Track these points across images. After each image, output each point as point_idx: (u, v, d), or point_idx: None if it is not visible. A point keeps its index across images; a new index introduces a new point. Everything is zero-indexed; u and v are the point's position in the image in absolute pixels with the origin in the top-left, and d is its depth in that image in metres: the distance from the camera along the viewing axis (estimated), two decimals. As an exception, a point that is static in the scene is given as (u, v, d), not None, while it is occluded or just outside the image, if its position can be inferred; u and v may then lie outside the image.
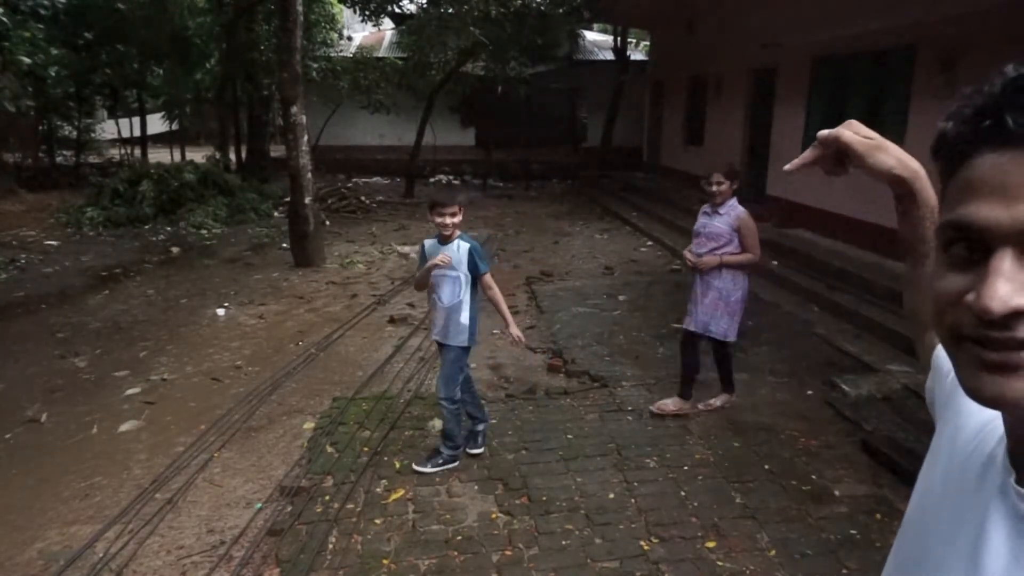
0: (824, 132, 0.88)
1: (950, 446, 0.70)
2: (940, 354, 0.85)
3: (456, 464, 3.73)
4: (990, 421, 0.67)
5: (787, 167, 0.94)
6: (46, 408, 4.51)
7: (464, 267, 3.60)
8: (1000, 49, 5.58)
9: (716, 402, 4.39)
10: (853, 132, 0.87)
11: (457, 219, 3.58)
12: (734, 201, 4.03)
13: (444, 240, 3.64)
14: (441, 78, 15.41)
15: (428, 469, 3.67)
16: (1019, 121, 0.50)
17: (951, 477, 0.67)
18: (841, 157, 0.88)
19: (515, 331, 3.73)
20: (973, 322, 0.51)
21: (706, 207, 4.14)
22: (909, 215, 0.90)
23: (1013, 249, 0.50)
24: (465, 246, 3.61)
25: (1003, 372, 0.50)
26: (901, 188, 0.88)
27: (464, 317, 3.63)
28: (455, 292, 3.61)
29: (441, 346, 3.75)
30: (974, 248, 0.52)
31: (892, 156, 0.87)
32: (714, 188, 3.97)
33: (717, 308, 4.10)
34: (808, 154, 0.90)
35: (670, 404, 4.31)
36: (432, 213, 3.58)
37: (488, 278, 3.69)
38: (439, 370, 3.76)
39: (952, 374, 0.78)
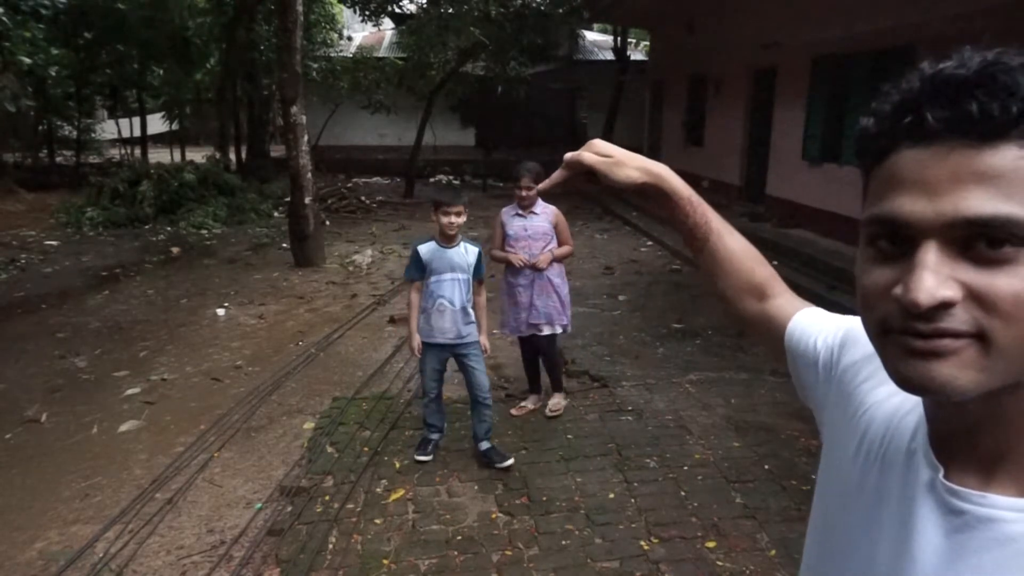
0: (568, 155, 0.92)
1: (857, 442, 0.69)
2: (794, 338, 0.85)
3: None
4: (896, 411, 0.67)
5: (540, 186, 1.00)
6: (46, 408, 4.51)
7: (471, 270, 3.65)
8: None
9: (562, 405, 4.38)
10: (594, 152, 0.91)
11: (462, 219, 3.57)
12: (540, 200, 4.16)
13: (448, 241, 3.61)
14: (441, 78, 15.42)
15: (510, 461, 3.67)
16: (938, 117, 0.51)
17: (867, 476, 0.66)
18: (591, 176, 0.92)
19: (485, 340, 3.80)
20: (900, 314, 0.52)
21: (514, 210, 4.16)
22: (673, 213, 0.94)
23: (937, 242, 0.51)
24: (474, 250, 3.66)
25: (930, 358, 0.51)
26: (653, 192, 0.92)
27: (473, 315, 3.71)
28: (464, 293, 3.64)
29: (449, 348, 3.69)
30: (898, 242, 0.54)
31: (632, 168, 0.90)
32: (524, 193, 4.04)
33: (560, 303, 4.23)
34: (557, 175, 0.95)
35: (529, 404, 4.41)
36: (437, 213, 3.55)
37: (482, 286, 3.84)
38: (473, 372, 3.73)
39: (823, 360, 0.79)
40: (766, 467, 3.72)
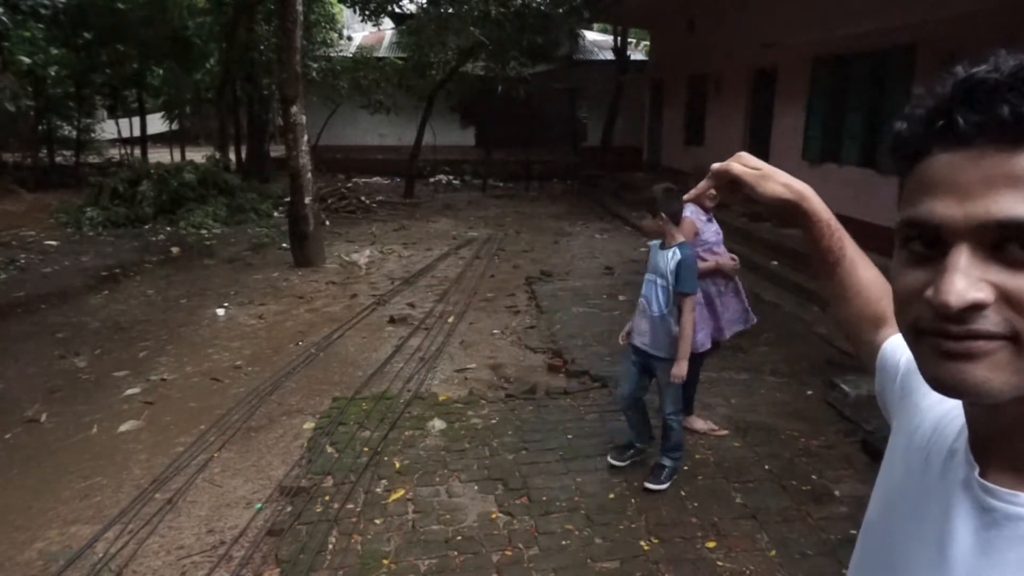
0: (716, 165, 0.93)
1: (907, 444, 0.71)
2: (885, 356, 0.86)
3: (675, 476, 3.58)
4: (945, 415, 0.68)
5: (685, 197, 1.03)
6: (46, 408, 4.51)
7: (671, 277, 3.33)
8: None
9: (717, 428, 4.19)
10: (742, 164, 0.92)
11: (654, 223, 3.36)
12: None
13: (665, 241, 3.40)
14: (441, 78, 15.41)
15: (664, 485, 3.47)
16: (970, 121, 0.51)
17: (911, 475, 0.68)
18: (734, 186, 0.92)
19: (677, 370, 3.34)
20: (932, 316, 0.53)
21: (705, 215, 3.89)
22: (809, 233, 0.94)
23: (968, 244, 0.52)
24: (677, 256, 3.32)
25: (963, 360, 0.52)
26: (793, 209, 0.92)
27: (675, 329, 3.37)
28: (662, 302, 3.38)
29: (643, 354, 3.50)
30: (931, 244, 0.54)
31: (778, 183, 0.91)
32: (716, 194, 3.84)
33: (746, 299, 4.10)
34: (703, 184, 0.96)
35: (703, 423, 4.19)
36: None
37: (688, 302, 3.32)
38: (660, 390, 3.49)
39: (901, 375, 0.80)
40: (766, 467, 3.72)
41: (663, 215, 3.35)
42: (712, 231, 3.90)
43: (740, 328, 4.05)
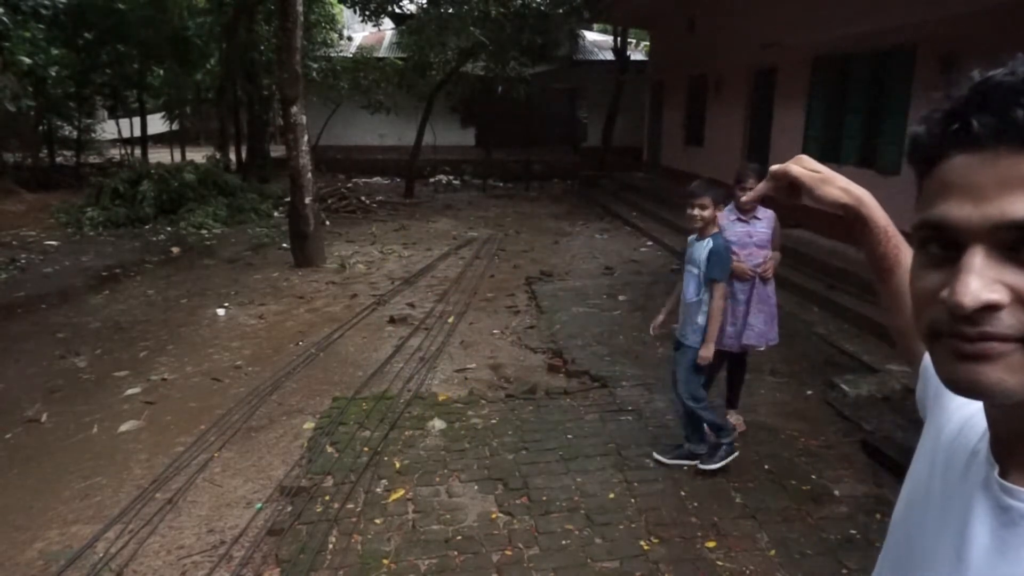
0: (775, 167, 0.94)
1: (934, 445, 0.72)
2: (926, 362, 0.87)
3: (692, 463, 3.65)
4: (971, 416, 0.68)
5: (744, 199, 1.04)
6: (46, 408, 4.51)
7: (703, 266, 3.44)
8: (1000, 49, 5.54)
9: (740, 422, 4.19)
10: (802, 167, 0.93)
11: (707, 213, 3.39)
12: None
13: (698, 234, 3.51)
14: (441, 78, 15.42)
15: (669, 460, 3.63)
16: (985, 124, 0.52)
17: (936, 474, 0.69)
18: (793, 189, 0.94)
19: (704, 352, 3.49)
20: (948, 317, 0.53)
21: (733, 214, 3.82)
22: (865, 238, 0.95)
23: (983, 246, 0.52)
24: (710, 245, 3.43)
25: (978, 361, 0.52)
26: (850, 214, 0.93)
27: (702, 318, 3.49)
28: (693, 290, 3.50)
29: (676, 340, 3.69)
30: (948, 246, 0.55)
31: (837, 187, 0.92)
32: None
33: (773, 315, 3.98)
34: (763, 186, 0.98)
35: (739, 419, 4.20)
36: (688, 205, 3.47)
37: (717, 288, 3.44)
38: (679, 371, 3.61)
39: (937, 379, 0.80)
40: (766, 467, 3.72)
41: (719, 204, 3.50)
42: (740, 231, 3.84)
43: (731, 344, 3.93)
